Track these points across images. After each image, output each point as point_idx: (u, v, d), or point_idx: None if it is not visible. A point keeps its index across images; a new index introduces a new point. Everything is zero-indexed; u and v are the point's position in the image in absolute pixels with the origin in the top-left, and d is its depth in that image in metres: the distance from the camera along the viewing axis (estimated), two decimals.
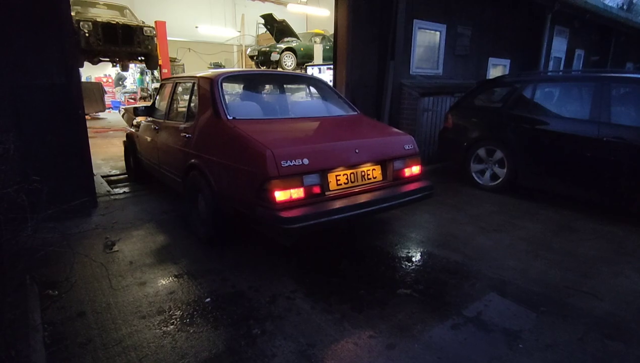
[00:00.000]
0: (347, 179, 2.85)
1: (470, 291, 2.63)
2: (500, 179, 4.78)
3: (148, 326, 2.17)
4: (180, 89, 3.83)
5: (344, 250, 3.22)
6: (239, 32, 16.91)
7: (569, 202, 4.47)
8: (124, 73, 12.95)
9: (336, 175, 2.79)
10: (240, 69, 4.22)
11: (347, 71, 5.84)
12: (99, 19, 8.07)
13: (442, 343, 2.09)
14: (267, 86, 3.89)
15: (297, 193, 2.56)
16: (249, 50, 12.96)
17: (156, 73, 14.11)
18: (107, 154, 6.86)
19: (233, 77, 3.45)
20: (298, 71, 11.36)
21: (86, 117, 12.25)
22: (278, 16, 11.85)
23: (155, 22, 9.97)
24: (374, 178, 3.02)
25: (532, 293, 2.62)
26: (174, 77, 3.99)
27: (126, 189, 4.78)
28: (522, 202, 4.48)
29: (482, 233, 3.61)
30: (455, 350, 2.04)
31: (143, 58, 9.01)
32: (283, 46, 11.40)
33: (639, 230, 3.72)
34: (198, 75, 3.45)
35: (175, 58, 15.44)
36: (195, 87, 3.36)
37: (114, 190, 4.72)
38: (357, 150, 2.88)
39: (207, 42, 17.66)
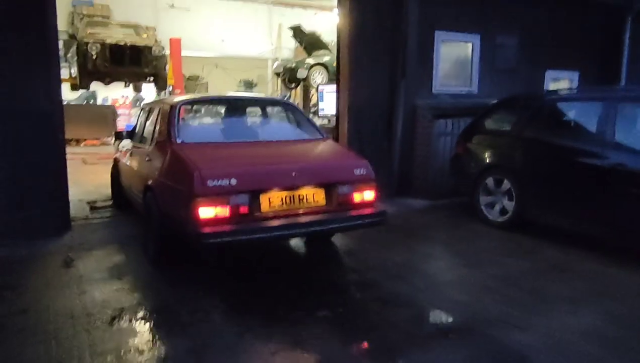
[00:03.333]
0: (282, 201, 3.76)
1: (392, 317, 3.34)
2: (509, 214, 5.34)
3: (73, 324, 3.19)
4: (153, 114, 5.05)
5: (286, 275, 4.07)
6: (272, 44, 18.72)
7: (593, 242, 4.87)
8: (141, 94, 15.08)
9: (269, 197, 3.71)
10: (204, 95, 5.38)
11: (349, 92, 6.83)
12: (108, 40, 9.96)
13: (327, 356, 2.85)
14: (229, 110, 4.97)
15: (222, 211, 3.51)
16: (274, 66, 14.52)
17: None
18: (102, 181, 8.34)
19: (194, 102, 4.59)
20: (274, 95, 12.59)
21: (95, 142, 14.46)
22: (307, 28, 13.30)
23: (170, 39, 11.84)
24: (315, 201, 3.89)
25: (454, 321, 3.26)
26: (151, 102, 5.25)
27: (105, 214, 6.06)
28: (528, 240, 5.01)
29: (450, 269, 4.26)
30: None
31: (152, 78, 10.77)
32: (312, 61, 12.73)
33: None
34: (165, 100, 4.64)
35: (198, 76, 17.52)
36: (160, 112, 4.54)
37: (93, 214, 6.02)
38: (294, 173, 3.79)
39: (237, 57, 19.72)
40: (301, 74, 12.61)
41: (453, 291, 3.79)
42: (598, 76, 9.30)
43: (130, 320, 3.24)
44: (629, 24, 9.04)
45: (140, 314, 3.33)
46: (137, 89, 12.37)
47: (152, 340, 3.00)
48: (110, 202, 6.62)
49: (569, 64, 8.94)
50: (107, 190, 7.42)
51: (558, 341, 3.03)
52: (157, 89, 11.23)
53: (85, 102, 15.72)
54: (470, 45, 7.79)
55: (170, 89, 12.11)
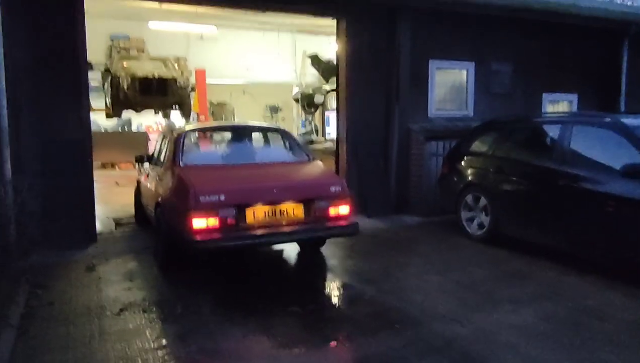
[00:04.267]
0: (265, 214, 4.44)
1: (353, 313, 3.94)
2: (485, 228, 5.84)
3: (89, 313, 3.93)
4: (165, 140, 5.86)
5: (272, 278, 4.72)
6: (295, 71, 19.67)
7: (563, 255, 5.30)
8: (171, 121, 16.23)
9: (254, 211, 4.40)
10: (207, 124, 6.16)
11: (347, 116, 7.51)
12: (139, 73, 11.04)
13: (289, 339, 3.47)
14: (227, 137, 5.73)
15: (212, 222, 4.22)
16: (294, 92, 15.40)
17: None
18: (129, 201, 9.25)
19: (197, 131, 5.37)
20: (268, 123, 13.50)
21: (129, 166, 15.59)
22: (324, 56, 14.16)
23: (195, 70, 12.88)
24: (295, 215, 4.55)
25: (405, 316, 3.83)
26: (166, 131, 6.08)
27: (127, 229, 6.88)
28: (500, 251, 5.49)
29: (418, 275, 4.80)
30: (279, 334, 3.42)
31: (177, 106, 11.80)
32: (328, 87, 13.54)
33: (599, 281, 4.56)
34: (175, 129, 5.43)
35: (225, 102, 18.59)
36: (170, 139, 5.34)
37: (117, 230, 6.85)
38: (275, 190, 4.48)
39: (263, 83, 20.77)
40: (318, 99, 13.43)
41: (414, 293, 4.34)
42: (598, 98, 9.66)
43: (134, 312, 3.96)
44: (626, 48, 9.40)
45: (143, 307, 4.04)
46: (166, 116, 13.43)
47: (149, 326, 3.70)
48: (132, 219, 7.45)
49: (566, 87, 9.35)
50: (132, 209, 8.31)
51: (487, 333, 3.55)
52: (182, 116, 12.25)
53: (120, 128, 16.98)
54: (465, 72, 8.36)
55: (196, 116, 13.12)
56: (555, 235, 5.05)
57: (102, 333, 3.57)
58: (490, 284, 4.54)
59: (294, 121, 19.88)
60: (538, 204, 5.20)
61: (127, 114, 14.48)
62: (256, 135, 5.92)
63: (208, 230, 4.20)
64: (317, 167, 5.25)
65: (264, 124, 8.48)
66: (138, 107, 11.68)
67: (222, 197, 4.26)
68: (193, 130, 5.16)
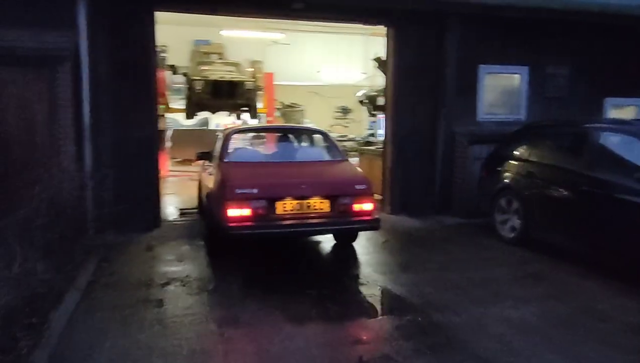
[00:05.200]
0: (292, 207, 4.97)
1: (362, 299, 4.37)
2: (517, 231, 5.97)
3: (139, 284, 4.69)
4: (219, 139, 6.60)
5: (297, 266, 5.26)
6: (364, 73, 20.11)
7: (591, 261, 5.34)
8: (244, 120, 17.33)
9: (283, 204, 4.95)
10: (252, 125, 6.80)
11: (394, 120, 7.87)
12: (212, 76, 12.07)
13: (298, 315, 3.98)
14: (269, 137, 6.32)
15: (246, 212, 4.82)
16: (359, 93, 15.82)
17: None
18: (196, 193, 10.26)
19: (243, 131, 6.03)
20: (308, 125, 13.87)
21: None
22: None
23: (264, 73, 13.75)
24: (321, 209, 5.04)
25: (408, 304, 4.19)
26: (222, 130, 6.81)
27: (189, 219, 7.74)
28: (527, 253, 5.61)
29: (435, 270, 5.10)
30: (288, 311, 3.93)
31: (246, 108, 12.70)
32: None
33: (617, 287, 4.60)
34: (226, 130, 6.13)
35: (295, 104, 19.44)
36: (220, 138, 6.05)
37: (181, 218, 7.74)
38: (303, 186, 5.00)
39: (335, 85, 21.44)
40: (380, 101, 13.73)
41: (425, 286, 4.66)
42: None
43: (175, 285, 4.67)
44: None
45: (183, 282, 4.75)
46: (238, 117, 14.41)
47: (184, 297, 4.38)
48: (195, 210, 8.32)
49: (633, 92, 8.98)
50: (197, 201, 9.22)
51: (480, 324, 3.83)
52: (250, 117, 13.14)
53: (199, 127, 18.40)
54: (518, 76, 8.36)
55: (264, 117, 13.97)
56: (579, 240, 5.11)
57: (146, 300, 4.29)
58: (504, 283, 4.75)
59: (362, 123, 20.34)
60: (565, 209, 5.28)
61: (205, 114, 15.79)
62: (296, 136, 6.47)
63: (241, 219, 4.81)
64: (348, 166, 5.69)
65: (305, 126, 9.03)
66: (210, 109, 12.73)
67: (255, 191, 4.85)
68: (238, 131, 5.82)
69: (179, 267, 5.23)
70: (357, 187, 5.14)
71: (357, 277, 5.00)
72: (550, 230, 5.52)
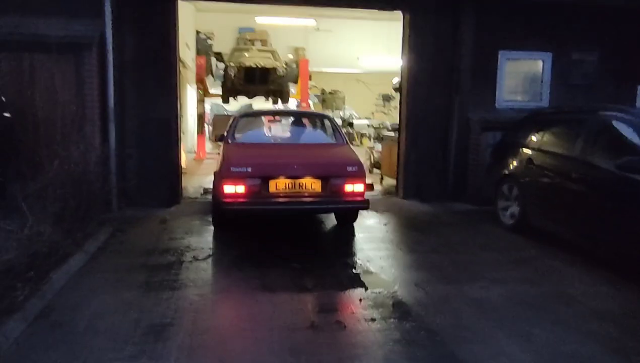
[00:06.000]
0: (285, 186, 5.28)
1: (341, 274, 4.62)
2: (516, 217, 5.99)
3: (145, 252, 5.17)
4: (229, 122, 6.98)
5: (290, 242, 5.57)
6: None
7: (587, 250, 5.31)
8: (280, 105, 17.82)
9: (276, 183, 5.26)
10: (258, 109, 7.11)
11: (408, 105, 7.97)
12: (246, 63, 12.54)
13: (279, 284, 4.29)
14: (274, 120, 6.62)
15: (240, 189, 5.18)
16: (394, 81, 15.81)
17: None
18: None
19: (250, 114, 6.38)
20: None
21: None
22: None
23: (300, 60, 14.06)
24: (313, 189, 5.32)
25: (379, 280, 4.41)
26: (233, 114, 7.20)
27: (209, 197, 8.22)
28: (523, 240, 5.64)
29: (423, 252, 5.26)
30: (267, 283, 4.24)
31: (278, 93, 13.12)
32: None
33: (600, 275, 4.60)
34: (235, 113, 6.51)
35: (336, 90, 19.66)
36: (230, 120, 6.43)
37: (201, 196, 8.24)
38: (295, 166, 5.29)
39: (376, 72, 21.43)
40: None
41: (406, 267, 4.87)
42: None
43: (174, 254, 5.11)
44: None
45: (182, 251, 5.19)
46: (275, 102, 14.86)
47: (179, 264, 4.81)
48: None
49: None
50: None
51: (443, 301, 3.99)
52: (281, 102, 13.53)
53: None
54: (540, 62, 8.20)
55: (298, 102, 14.32)
56: (570, 227, 5.10)
57: (144, 265, 4.75)
58: (486, 266, 4.85)
59: None
60: (557, 196, 5.27)
61: (246, 100, 16.37)
62: (302, 120, 6.75)
63: (236, 195, 5.18)
64: (345, 149, 5.92)
65: (309, 110, 9.24)
66: (245, 94, 13.24)
67: (249, 169, 5.19)
68: (246, 114, 6.17)
69: (184, 239, 5.68)
70: (349, 168, 5.37)
71: (344, 254, 5.24)
72: (545, 217, 5.52)
